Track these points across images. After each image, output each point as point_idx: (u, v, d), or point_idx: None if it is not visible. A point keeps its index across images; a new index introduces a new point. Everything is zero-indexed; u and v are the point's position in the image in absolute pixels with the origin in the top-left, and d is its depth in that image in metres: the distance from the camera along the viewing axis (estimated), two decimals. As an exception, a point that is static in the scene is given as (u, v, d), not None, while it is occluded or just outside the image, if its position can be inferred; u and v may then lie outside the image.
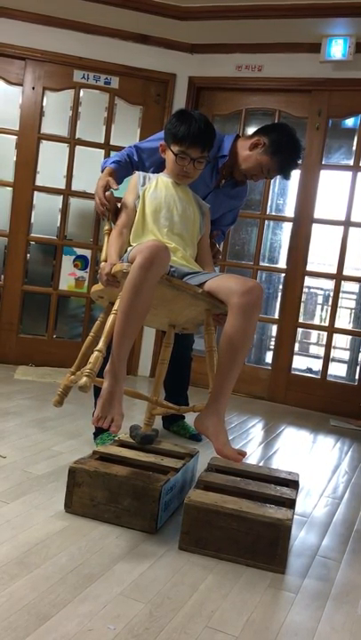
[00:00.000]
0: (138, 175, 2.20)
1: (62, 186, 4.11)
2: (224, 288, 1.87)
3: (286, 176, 2.49)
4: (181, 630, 1.33)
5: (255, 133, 2.47)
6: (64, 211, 4.14)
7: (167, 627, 1.33)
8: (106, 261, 2.04)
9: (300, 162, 2.45)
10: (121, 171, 2.32)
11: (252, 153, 2.43)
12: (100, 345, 1.91)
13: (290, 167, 2.44)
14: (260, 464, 2.64)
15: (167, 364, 2.21)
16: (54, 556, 1.57)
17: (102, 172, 2.32)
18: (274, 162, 2.40)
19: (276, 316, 4.13)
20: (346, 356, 4.92)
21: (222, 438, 1.82)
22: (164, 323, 2.23)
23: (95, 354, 1.89)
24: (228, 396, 1.88)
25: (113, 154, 3.98)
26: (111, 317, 1.91)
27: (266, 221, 4.21)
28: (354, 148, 3.92)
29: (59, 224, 4.15)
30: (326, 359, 4.03)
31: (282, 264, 4.23)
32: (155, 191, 2.14)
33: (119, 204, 2.21)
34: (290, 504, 1.84)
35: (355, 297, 4.61)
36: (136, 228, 2.11)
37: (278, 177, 2.54)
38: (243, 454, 1.82)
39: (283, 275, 4.13)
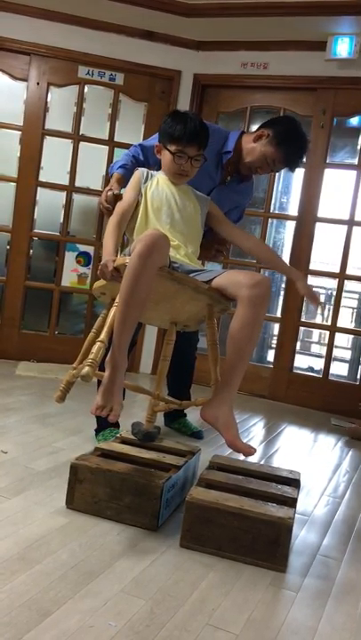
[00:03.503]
0: (141, 172, 2.20)
1: (66, 182, 4.11)
2: (233, 282, 1.89)
3: (292, 168, 2.44)
4: (182, 628, 1.33)
5: (260, 127, 2.46)
6: (67, 207, 4.13)
7: (168, 624, 1.33)
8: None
9: (305, 153, 2.41)
10: (129, 176, 2.32)
11: (256, 145, 2.41)
12: (103, 336, 1.91)
13: (295, 158, 2.40)
14: (261, 462, 2.64)
15: (169, 360, 2.21)
16: (55, 552, 1.57)
17: (111, 177, 2.32)
18: (279, 153, 2.37)
19: (279, 315, 4.13)
20: (347, 355, 4.92)
21: (234, 430, 1.83)
22: (166, 320, 2.23)
23: (97, 344, 1.89)
24: (237, 386, 1.90)
25: (117, 151, 4.03)
26: (113, 310, 1.91)
27: (269, 220, 4.20)
28: (358, 147, 3.92)
29: (62, 220, 4.15)
30: (328, 358, 4.03)
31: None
32: (156, 188, 2.15)
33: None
34: (291, 503, 1.84)
35: (357, 296, 4.61)
36: (140, 224, 2.11)
37: (283, 170, 2.49)
38: (253, 449, 1.82)
39: (285, 273, 4.12)
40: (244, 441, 2.94)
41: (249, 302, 1.83)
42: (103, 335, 1.91)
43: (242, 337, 1.85)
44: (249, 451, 1.82)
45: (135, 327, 1.86)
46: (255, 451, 1.84)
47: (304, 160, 2.47)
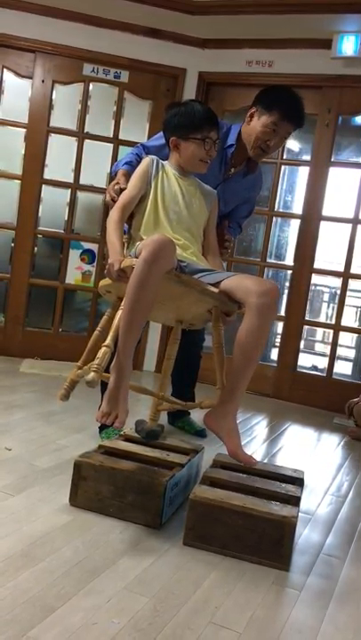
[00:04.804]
0: (150, 161, 2.14)
1: (70, 180, 4.11)
2: (241, 288, 1.87)
3: (295, 122, 2.35)
4: (185, 626, 1.33)
5: (249, 109, 2.44)
6: (72, 205, 4.14)
7: (171, 622, 1.33)
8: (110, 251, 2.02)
9: (300, 103, 2.33)
10: (133, 172, 2.30)
11: (251, 124, 2.40)
12: (108, 340, 1.90)
13: (292, 109, 2.33)
14: (265, 461, 2.64)
15: (174, 359, 2.21)
16: (59, 549, 1.58)
17: (115, 175, 2.30)
18: (274, 114, 2.33)
19: (283, 314, 4.12)
20: (351, 354, 4.91)
21: (236, 440, 1.83)
22: (171, 318, 2.23)
23: (103, 349, 1.88)
24: (242, 393, 1.89)
25: (122, 149, 4.03)
26: (119, 313, 1.90)
27: (274, 218, 4.19)
28: (364, 145, 3.91)
29: (66, 218, 4.15)
30: (332, 357, 4.02)
31: (289, 261, 4.22)
32: (167, 182, 2.11)
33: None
34: (295, 502, 1.84)
35: (361, 295, 4.60)
36: (147, 220, 2.07)
37: (293, 132, 2.40)
38: (255, 460, 1.83)
39: (289, 272, 4.13)
40: (247, 439, 2.97)
41: (257, 310, 1.81)
42: (109, 340, 1.89)
43: (248, 345, 1.83)
44: (250, 461, 1.83)
45: (141, 332, 1.84)
46: (256, 462, 1.84)
47: (304, 114, 2.35)
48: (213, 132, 2.10)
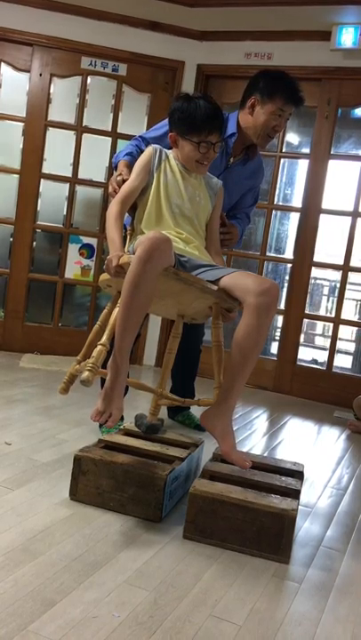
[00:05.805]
0: (153, 151, 2.08)
1: (69, 174, 4.10)
2: (241, 286, 1.83)
3: (297, 103, 2.38)
4: (186, 619, 1.33)
5: (244, 97, 2.43)
6: (70, 199, 4.13)
7: (171, 615, 1.34)
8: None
9: (295, 82, 2.36)
10: (135, 162, 2.29)
11: (255, 114, 2.39)
12: (104, 339, 1.88)
13: (295, 92, 2.35)
14: (265, 454, 2.64)
15: (174, 354, 2.20)
16: (59, 543, 1.58)
17: (115, 166, 2.28)
18: (278, 101, 2.35)
19: (282, 307, 4.12)
20: (351, 347, 4.90)
21: (230, 441, 1.82)
22: (173, 313, 2.22)
23: (98, 347, 1.87)
24: (239, 393, 1.87)
25: (120, 142, 4.02)
26: (116, 310, 1.89)
27: (273, 211, 4.19)
28: (363, 138, 3.89)
29: (65, 212, 4.14)
30: (332, 351, 4.02)
31: (288, 254, 4.21)
32: (171, 174, 2.06)
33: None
34: (295, 495, 1.84)
35: (361, 288, 4.59)
36: (149, 212, 2.03)
37: (294, 111, 2.43)
38: (248, 462, 1.82)
39: (289, 265, 4.12)
40: (247, 433, 2.97)
41: (255, 310, 1.78)
42: (104, 338, 1.88)
43: (246, 345, 1.80)
44: (243, 464, 1.81)
45: (137, 331, 1.82)
46: (250, 464, 1.83)
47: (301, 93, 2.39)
48: (213, 136, 2.01)
